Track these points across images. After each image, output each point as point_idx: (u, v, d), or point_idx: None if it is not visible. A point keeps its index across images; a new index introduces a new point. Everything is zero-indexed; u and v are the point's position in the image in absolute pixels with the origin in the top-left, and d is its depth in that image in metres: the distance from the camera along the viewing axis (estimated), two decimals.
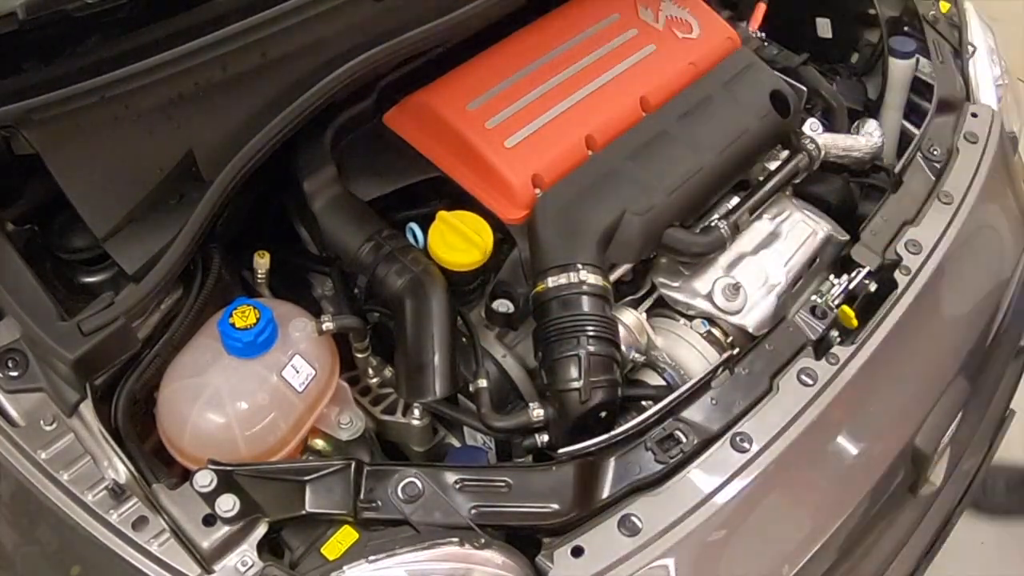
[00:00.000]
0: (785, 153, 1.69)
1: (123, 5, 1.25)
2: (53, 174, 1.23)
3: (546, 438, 1.34)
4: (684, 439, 1.28)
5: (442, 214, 1.43)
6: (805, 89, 1.78)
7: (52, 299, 1.21)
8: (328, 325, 1.35)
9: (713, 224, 1.53)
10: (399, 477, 1.20)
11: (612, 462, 1.26)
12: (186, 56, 1.24)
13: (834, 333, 1.44)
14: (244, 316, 1.26)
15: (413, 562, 1.14)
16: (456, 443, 1.52)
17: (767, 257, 1.57)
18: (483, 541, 1.16)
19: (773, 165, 1.66)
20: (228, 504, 1.13)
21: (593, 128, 1.54)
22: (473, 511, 1.19)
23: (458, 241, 1.42)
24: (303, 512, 1.18)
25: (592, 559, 1.18)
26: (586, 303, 1.36)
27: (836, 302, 1.48)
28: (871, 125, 1.77)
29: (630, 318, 1.46)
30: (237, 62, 1.28)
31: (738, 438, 1.30)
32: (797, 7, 1.97)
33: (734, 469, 1.28)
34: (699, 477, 1.26)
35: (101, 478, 1.15)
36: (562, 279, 1.37)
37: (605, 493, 1.24)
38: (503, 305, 1.47)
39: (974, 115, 1.76)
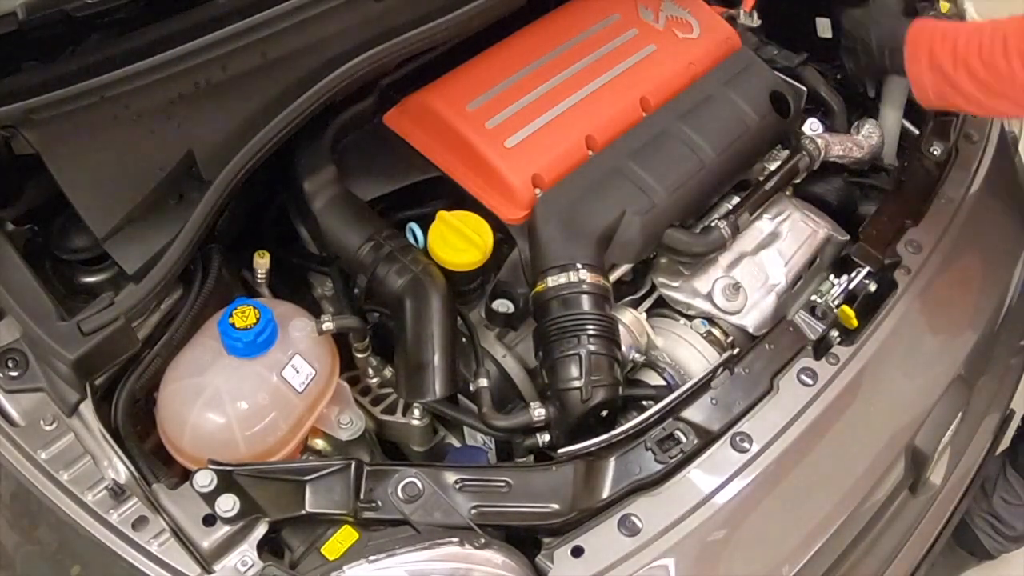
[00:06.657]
0: (785, 153, 1.69)
1: (123, 5, 1.25)
2: (53, 174, 1.23)
3: (547, 438, 1.34)
4: (684, 439, 1.28)
5: (442, 214, 1.43)
6: (805, 89, 1.78)
7: (52, 299, 1.21)
8: (328, 325, 1.35)
9: (713, 224, 1.53)
10: (399, 477, 1.20)
11: (612, 462, 1.26)
12: (186, 56, 1.24)
13: (834, 333, 1.44)
14: (244, 316, 1.26)
15: (413, 562, 1.14)
16: (456, 443, 1.52)
17: (767, 257, 1.57)
18: (483, 541, 1.16)
19: (773, 165, 1.66)
20: (228, 504, 1.13)
21: (593, 128, 1.54)
22: (473, 511, 1.19)
23: (458, 241, 1.41)
24: (303, 512, 1.18)
25: (592, 559, 1.18)
26: (586, 302, 1.36)
27: (836, 302, 1.48)
28: (871, 125, 1.76)
29: (630, 318, 1.46)
30: (237, 62, 1.28)
31: (738, 438, 1.30)
32: (797, 7, 1.97)
33: (734, 469, 1.28)
34: (699, 477, 1.26)
35: (101, 478, 1.15)
36: (562, 278, 1.37)
37: (605, 493, 1.24)
38: (503, 305, 1.46)
39: (974, 115, 1.76)
